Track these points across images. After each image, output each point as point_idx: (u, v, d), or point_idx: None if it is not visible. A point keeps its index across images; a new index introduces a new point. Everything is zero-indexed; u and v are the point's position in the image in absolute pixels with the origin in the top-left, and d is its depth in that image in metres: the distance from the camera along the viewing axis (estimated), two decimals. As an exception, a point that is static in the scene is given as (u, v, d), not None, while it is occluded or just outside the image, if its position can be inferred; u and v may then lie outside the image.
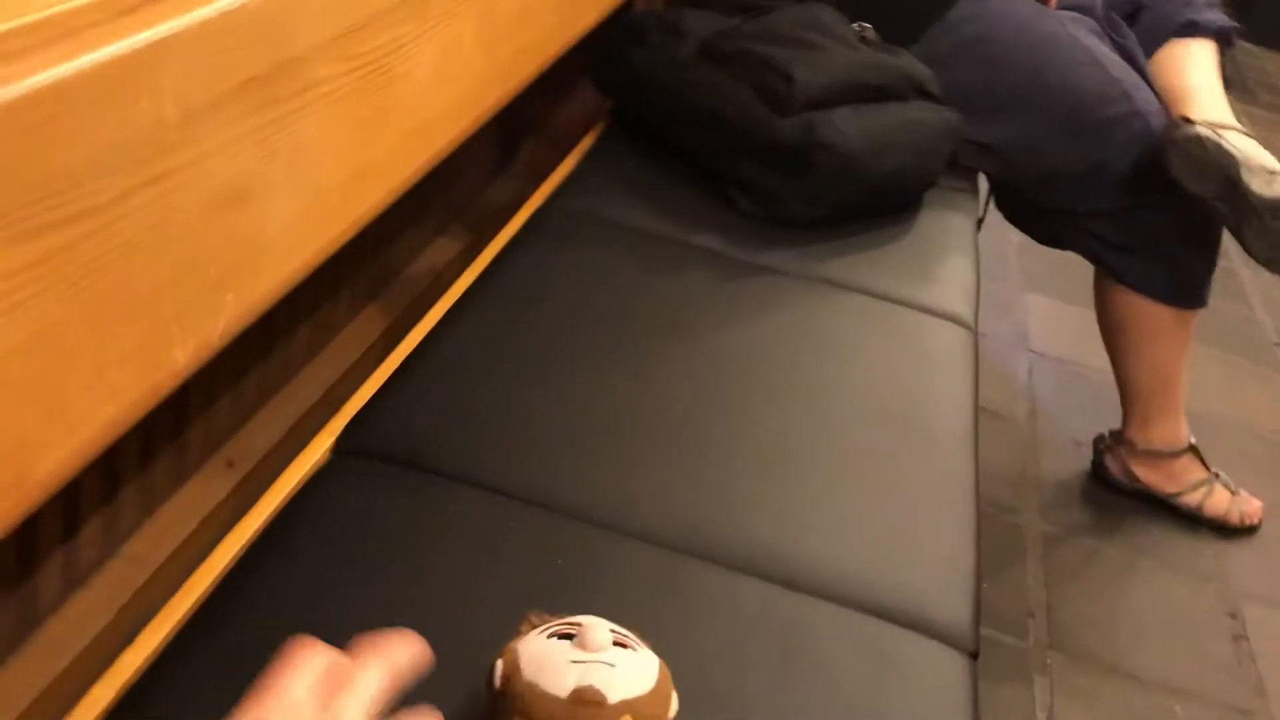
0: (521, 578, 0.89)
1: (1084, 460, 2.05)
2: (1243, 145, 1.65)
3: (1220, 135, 1.66)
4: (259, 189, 0.80)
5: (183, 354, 0.72)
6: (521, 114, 1.58)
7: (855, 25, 1.65)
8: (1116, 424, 1.98)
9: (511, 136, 2.04)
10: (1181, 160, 1.67)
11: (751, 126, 1.50)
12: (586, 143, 1.69)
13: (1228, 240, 1.75)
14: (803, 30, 1.58)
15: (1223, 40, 1.87)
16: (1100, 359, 1.97)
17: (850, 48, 1.59)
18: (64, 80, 0.63)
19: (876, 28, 1.67)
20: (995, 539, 1.83)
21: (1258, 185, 1.62)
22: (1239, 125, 1.72)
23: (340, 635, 0.81)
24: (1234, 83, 1.96)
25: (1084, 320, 2.04)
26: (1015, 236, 2.08)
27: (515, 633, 0.73)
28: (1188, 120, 1.69)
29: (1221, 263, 1.87)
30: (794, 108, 1.48)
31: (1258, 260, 1.70)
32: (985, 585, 1.08)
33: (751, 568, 0.96)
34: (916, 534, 1.06)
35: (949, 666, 0.93)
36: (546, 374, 1.14)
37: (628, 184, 1.56)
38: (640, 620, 0.88)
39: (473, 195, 1.93)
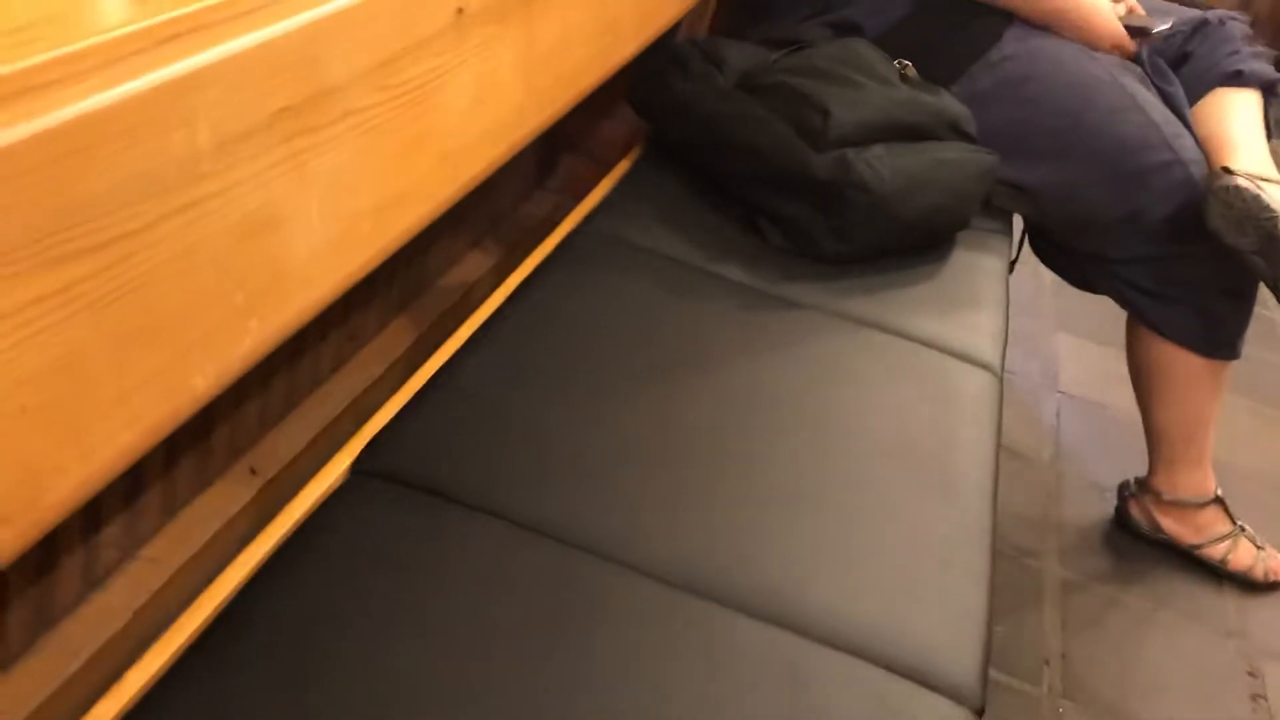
0: (525, 610, 0.90)
1: (1107, 506, 2.03)
2: (1283, 199, 1.63)
3: (1261, 188, 1.64)
4: (289, 217, 0.81)
5: (203, 381, 0.73)
6: (561, 130, 1.59)
7: (896, 62, 1.65)
8: (1143, 470, 1.96)
9: (551, 151, 2.05)
10: (1220, 211, 1.65)
11: (785, 160, 1.50)
12: (623, 166, 1.70)
13: (1266, 288, 1.74)
14: (841, 66, 1.58)
15: (1268, 91, 1.85)
16: (1130, 402, 1.95)
17: (888, 85, 1.59)
18: (99, 110, 0.64)
19: (917, 65, 1.66)
20: (1013, 582, 1.82)
21: (1296, 241, 1.61)
22: (1281, 179, 1.70)
23: (341, 661, 0.82)
24: (1278, 133, 1.94)
25: (1115, 362, 2.02)
26: (1049, 274, 2.07)
27: None
28: (1228, 171, 1.68)
29: (1257, 310, 1.85)
30: (829, 143, 1.48)
31: (1292, 316, 1.68)
32: (1000, 629, 1.07)
33: (755, 609, 0.96)
34: (929, 583, 1.06)
35: (953, 723, 0.93)
36: (565, 402, 1.15)
37: (660, 210, 1.57)
38: (639, 657, 0.89)
39: (510, 208, 1.94)
